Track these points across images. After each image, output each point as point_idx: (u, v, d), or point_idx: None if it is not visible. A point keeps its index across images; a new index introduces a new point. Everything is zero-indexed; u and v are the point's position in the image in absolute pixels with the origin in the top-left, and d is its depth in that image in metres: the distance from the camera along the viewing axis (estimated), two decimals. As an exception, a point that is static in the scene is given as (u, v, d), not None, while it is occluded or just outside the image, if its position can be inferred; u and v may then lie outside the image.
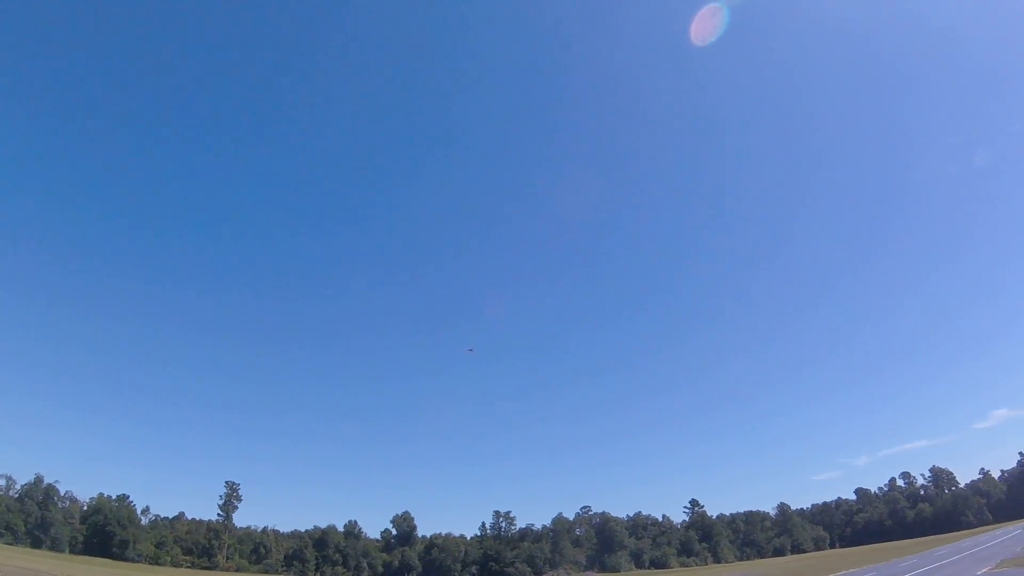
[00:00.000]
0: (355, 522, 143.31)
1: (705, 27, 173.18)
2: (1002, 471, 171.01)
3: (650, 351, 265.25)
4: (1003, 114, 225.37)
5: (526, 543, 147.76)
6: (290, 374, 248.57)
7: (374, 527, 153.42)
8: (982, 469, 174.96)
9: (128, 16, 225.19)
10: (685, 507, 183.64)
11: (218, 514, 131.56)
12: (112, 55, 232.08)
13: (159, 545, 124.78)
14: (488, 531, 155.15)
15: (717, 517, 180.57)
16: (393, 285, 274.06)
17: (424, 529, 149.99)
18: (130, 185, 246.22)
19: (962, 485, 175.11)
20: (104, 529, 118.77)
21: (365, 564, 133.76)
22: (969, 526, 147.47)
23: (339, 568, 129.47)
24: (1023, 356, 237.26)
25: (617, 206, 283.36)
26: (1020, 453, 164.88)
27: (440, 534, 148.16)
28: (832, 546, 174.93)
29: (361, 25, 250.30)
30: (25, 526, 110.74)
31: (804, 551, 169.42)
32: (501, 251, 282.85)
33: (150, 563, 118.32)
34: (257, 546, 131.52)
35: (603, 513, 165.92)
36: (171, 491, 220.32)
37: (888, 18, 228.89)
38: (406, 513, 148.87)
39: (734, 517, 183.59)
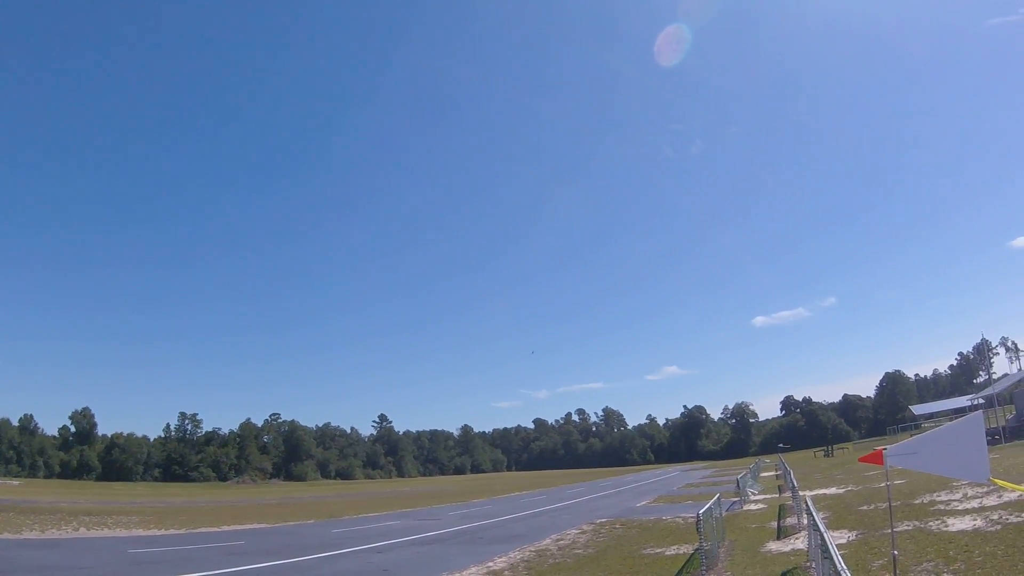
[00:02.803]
0: (31, 416, 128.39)
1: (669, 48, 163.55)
2: (667, 419, 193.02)
3: (349, 267, 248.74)
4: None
5: (212, 447, 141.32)
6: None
7: (52, 423, 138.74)
8: (649, 415, 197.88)
9: None
10: (374, 421, 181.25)
11: None
12: None
13: None
14: (173, 433, 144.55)
15: (404, 433, 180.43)
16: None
17: (105, 427, 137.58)
18: None
19: (630, 427, 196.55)
20: None
21: (41, 463, 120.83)
22: (633, 463, 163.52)
23: (13, 466, 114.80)
24: (694, 323, 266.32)
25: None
26: (684, 406, 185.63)
27: (122, 433, 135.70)
28: (509, 468, 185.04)
29: None
30: None
31: (483, 471, 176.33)
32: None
33: None
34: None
35: (292, 421, 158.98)
36: None
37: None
38: (86, 409, 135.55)
39: (420, 434, 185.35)
